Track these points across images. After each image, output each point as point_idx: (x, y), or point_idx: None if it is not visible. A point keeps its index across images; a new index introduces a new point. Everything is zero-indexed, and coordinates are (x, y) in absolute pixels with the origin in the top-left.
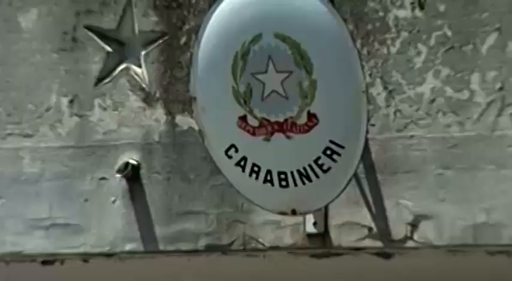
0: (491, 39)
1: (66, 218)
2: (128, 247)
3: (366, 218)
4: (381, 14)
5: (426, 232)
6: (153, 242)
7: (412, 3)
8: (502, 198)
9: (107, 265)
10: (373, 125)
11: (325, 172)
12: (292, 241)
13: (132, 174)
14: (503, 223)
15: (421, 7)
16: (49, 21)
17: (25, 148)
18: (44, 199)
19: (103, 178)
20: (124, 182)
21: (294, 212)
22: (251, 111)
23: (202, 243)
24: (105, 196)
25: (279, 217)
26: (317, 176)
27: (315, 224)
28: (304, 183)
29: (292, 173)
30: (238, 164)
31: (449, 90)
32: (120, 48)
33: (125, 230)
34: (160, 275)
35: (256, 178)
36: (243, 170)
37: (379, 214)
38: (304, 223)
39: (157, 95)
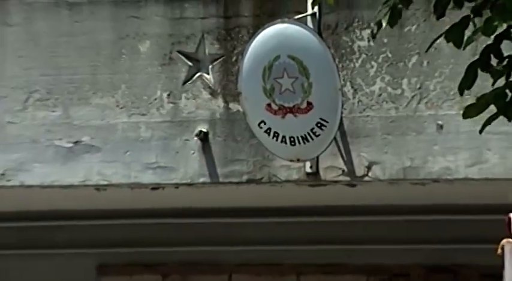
0: (415, 59)
1: (166, 163)
2: (201, 179)
3: (341, 163)
4: (350, 44)
5: (375, 171)
6: (216, 177)
7: (368, 37)
8: (419, 152)
9: (189, 190)
10: (345, 109)
11: (317, 136)
12: (297, 177)
13: (203, 137)
14: (421, 166)
15: (373, 37)
16: (156, 48)
17: (142, 122)
18: (152, 152)
19: (187, 140)
20: (199, 142)
21: (298, 160)
22: (273, 101)
23: (244, 178)
24: (188, 150)
25: (289, 163)
26: (312, 138)
27: (311, 167)
28: (304, 143)
29: (297, 137)
30: (265, 131)
31: (389, 89)
32: (197, 63)
33: (200, 170)
34: (221, 197)
35: (276, 140)
36: (268, 135)
37: (348, 161)
38: (304, 166)
39: (218, 91)
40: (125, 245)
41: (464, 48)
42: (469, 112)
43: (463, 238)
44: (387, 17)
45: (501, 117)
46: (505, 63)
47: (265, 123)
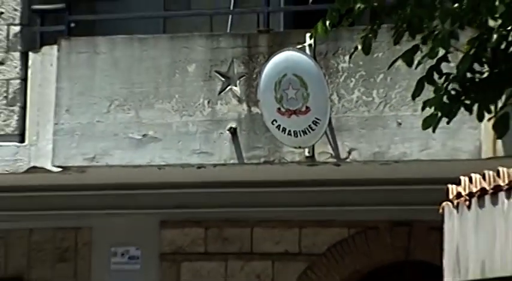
0: (381, 76)
1: (207, 150)
2: (232, 161)
3: (329, 150)
4: (336, 65)
5: (354, 155)
6: (242, 159)
7: (348, 60)
8: (385, 141)
9: (223, 169)
10: (332, 111)
11: (313, 130)
12: (299, 159)
13: (233, 131)
14: (386, 152)
15: (350, 58)
16: (200, 69)
17: (190, 121)
18: (197, 142)
19: (221, 133)
20: (230, 135)
21: (299, 147)
22: (282, 106)
23: (262, 160)
24: (222, 140)
25: (294, 149)
26: (309, 132)
27: (308, 152)
28: (304, 135)
29: (299, 131)
30: (276, 127)
31: (363, 97)
32: (228, 79)
33: (230, 154)
34: (245, 174)
35: (284, 133)
36: (279, 130)
37: (335, 148)
38: (304, 151)
39: (243, 98)
40: (178, 207)
41: (416, 68)
42: (426, 124)
43: (416, 201)
44: (362, 45)
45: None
46: (443, 79)
47: (276, 122)
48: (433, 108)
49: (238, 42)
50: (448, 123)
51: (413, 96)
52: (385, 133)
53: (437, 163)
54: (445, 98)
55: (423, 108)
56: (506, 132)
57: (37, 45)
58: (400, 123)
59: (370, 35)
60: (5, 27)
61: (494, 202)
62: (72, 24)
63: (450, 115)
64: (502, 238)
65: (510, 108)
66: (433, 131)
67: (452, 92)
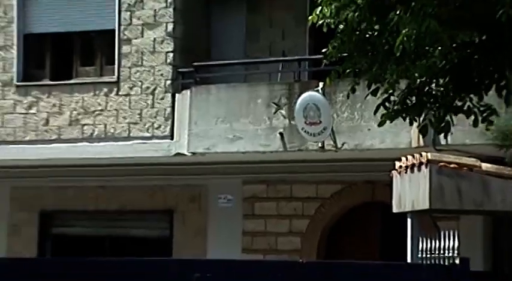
0: (359, 104)
1: (267, 143)
2: (280, 149)
3: (332, 143)
4: (335, 98)
5: (345, 146)
6: (285, 148)
7: (343, 96)
8: (360, 139)
9: (276, 153)
10: (333, 123)
11: (323, 133)
12: (316, 148)
13: (281, 134)
14: (362, 144)
15: (348, 97)
16: (264, 101)
17: (258, 128)
18: (262, 139)
19: (275, 135)
20: (279, 136)
21: (316, 142)
22: (306, 120)
23: (296, 149)
24: (276, 139)
25: (313, 143)
26: (321, 134)
27: (321, 144)
28: (318, 135)
29: (316, 133)
30: (304, 131)
31: (350, 116)
32: (278, 106)
33: (280, 145)
34: (289, 157)
35: (308, 134)
36: (305, 133)
37: (335, 142)
38: (318, 144)
39: (286, 116)
40: (252, 173)
41: (378, 98)
42: (380, 124)
43: (378, 170)
44: (350, 89)
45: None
46: (391, 104)
47: (303, 129)
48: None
49: (284, 86)
50: (389, 121)
51: (375, 113)
52: (361, 134)
53: (389, 150)
54: (391, 114)
55: (381, 121)
56: (426, 134)
57: (179, 90)
58: (369, 129)
59: (354, 85)
60: (163, 81)
61: (418, 170)
62: (198, 79)
63: (392, 120)
64: (422, 188)
65: (428, 119)
66: (379, 125)
67: (395, 109)
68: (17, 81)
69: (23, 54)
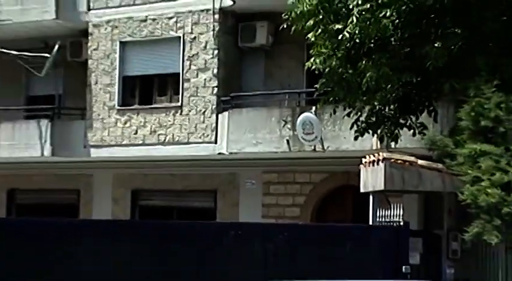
0: (339, 121)
1: (278, 146)
2: (287, 150)
3: (320, 146)
4: (324, 117)
5: (329, 148)
6: (290, 150)
7: (330, 115)
8: (340, 144)
9: (284, 153)
10: (321, 133)
11: (315, 140)
12: (310, 149)
13: (288, 140)
14: (339, 147)
15: (331, 115)
16: (276, 118)
17: (272, 137)
18: (275, 143)
19: (283, 141)
20: (286, 142)
21: (311, 145)
22: (304, 131)
23: (297, 150)
24: (284, 144)
25: (309, 147)
26: (313, 140)
27: (313, 147)
28: (312, 141)
29: (310, 140)
30: (302, 138)
31: (333, 129)
32: (285, 122)
33: (287, 148)
34: (291, 155)
35: (305, 140)
36: (303, 140)
37: (322, 145)
38: (312, 147)
39: (291, 128)
40: (267, 166)
41: (352, 118)
42: (356, 137)
43: (351, 163)
44: (332, 111)
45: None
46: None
47: (302, 137)
48: (357, 132)
49: (289, 109)
50: (360, 136)
51: (350, 128)
52: (340, 141)
53: (358, 151)
54: (361, 130)
55: (355, 136)
56: (383, 141)
57: (221, 111)
58: (345, 138)
59: (335, 108)
60: (210, 105)
61: (377, 164)
62: (233, 104)
63: (362, 135)
64: (379, 176)
65: (384, 132)
66: (355, 139)
67: (363, 126)
68: (118, 106)
69: (122, 89)
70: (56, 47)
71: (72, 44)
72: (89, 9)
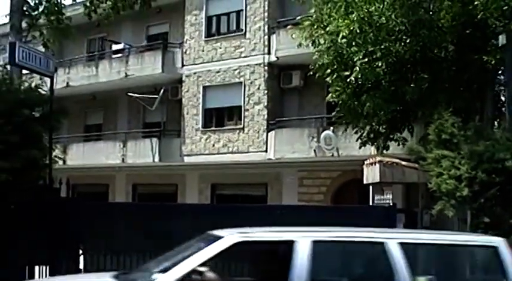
0: (349, 136)
1: (308, 152)
2: (313, 155)
3: (336, 153)
4: (340, 134)
5: (341, 154)
6: (316, 155)
7: (343, 131)
8: (348, 151)
9: (309, 156)
10: (337, 145)
11: (333, 149)
12: (329, 154)
13: (315, 149)
14: (349, 154)
15: (342, 133)
16: (306, 134)
17: (303, 146)
18: (306, 152)
19: (311, 150)
20: (314, 150)
21: (327, 149)
22: (326, 142)
23: (320, 155)
24: (312, 151)
25: (329, 153)
26: (333, 149)
27: (332, 154)
28: (332, 150)
29: (330, 149)
30: (325, 148)
31: (345, 141)
32: (313, 137)
33: (314, 155)
34: (315, 158)
35: (327, 150)
36: (326, 150)
37: (337, 153)
38: (332, 154)
39: (317, 140)
40: (303, 167)
41: (357, 133)
42: (360, 146)
43: (357, 164)
44: (344, 129)
45: None
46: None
47: (324, 147)
48: (361, 144)
49: (316, 129)
50: (363, 146)
51: (356, 140)
52: (350, 149)
53: (362, 156)
54: (363, 142)
55: (360, 146)
56: (379, 149)
57: (269, 131)
58: (353, 147)
59: (346, 128)
60: (262, 127)
61: (375, 164)
62: (277, 126)
63: (365, 145)
64: (376, 172)
65: (379, 143)
66: (359, 148)
67: (365, 140)
68: (201, 128)
69: (204, 117)
70: (162, 90)
71: (172, 88)
72: (183, 65)
